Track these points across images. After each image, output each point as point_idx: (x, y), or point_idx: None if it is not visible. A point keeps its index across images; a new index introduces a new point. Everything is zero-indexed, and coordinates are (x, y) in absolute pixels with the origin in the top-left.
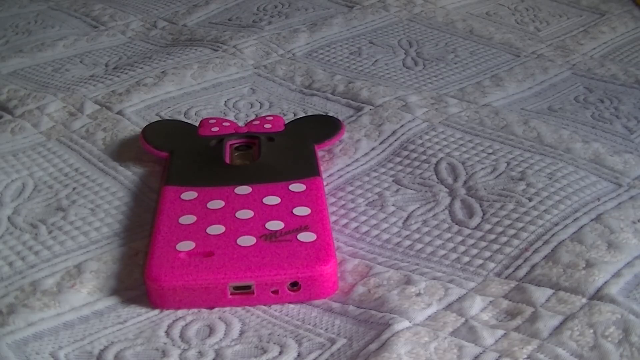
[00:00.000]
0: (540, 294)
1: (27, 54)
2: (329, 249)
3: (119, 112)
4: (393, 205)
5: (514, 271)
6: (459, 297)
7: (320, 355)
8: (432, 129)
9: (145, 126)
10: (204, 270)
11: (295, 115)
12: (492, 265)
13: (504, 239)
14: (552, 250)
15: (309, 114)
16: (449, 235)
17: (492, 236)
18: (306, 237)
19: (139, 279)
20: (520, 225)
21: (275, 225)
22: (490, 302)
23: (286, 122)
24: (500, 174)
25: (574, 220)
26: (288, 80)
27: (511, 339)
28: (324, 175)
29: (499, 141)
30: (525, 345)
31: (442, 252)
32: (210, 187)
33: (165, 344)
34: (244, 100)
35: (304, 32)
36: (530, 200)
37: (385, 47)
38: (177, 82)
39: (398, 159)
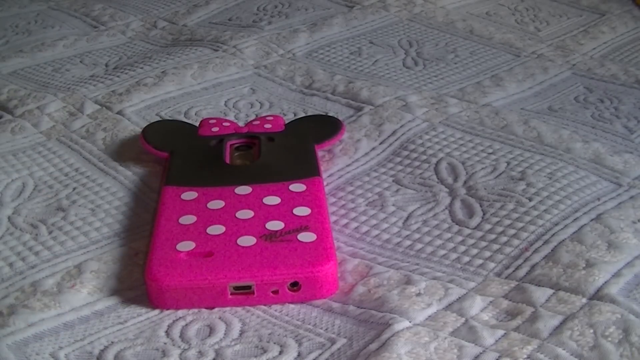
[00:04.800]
0: (541, 294)
1: (27, 54)
2: (329, 249)
3: (119, 112)
4: (393, 205)
5: (514, 271)
6: (459, 297)
7: (320, 355)
8: (432, 128)
9: (146, 126)
10: (204, 270)
11: (295, 115)
12: (492, 265)
13: (504, 238)
14: (552, 250)
15: (309, 114)
16: (449, 235)
17: (492, 236)
18: (306, 237)
19: (139, 279)
20: (520, 225)
21: (275, 225)
22: (491, 302)
23: (286, 122)
24: (500, 174)
25: (574, 220)
26: (288, 80)
27: (511, 339)
28: (324, 175)
29: (499, 141)
30: (526, 345)
31: (442, 252)
32: (210, 187)
33: (165, 344)
34: (244, 100)
35: (304, 32)
36: (530, 200)
37: (385, 47)
38: (177, 82)
39: (398, 159)
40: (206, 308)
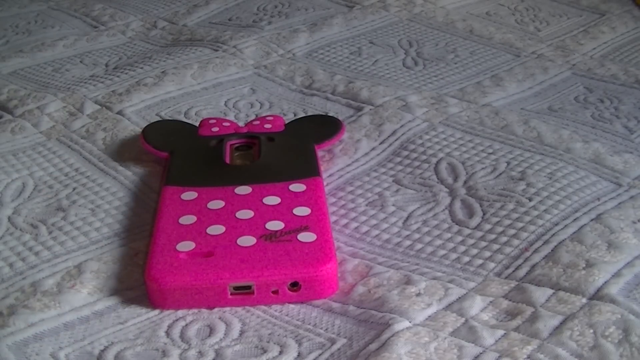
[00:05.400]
0: (540, 294)
1: (27, 54)
2: (329, 249)
3: (119, 112)
4: (393, 205)
5: (514, 271)
6: (459, 297)
7: (320, 355)
8: (432, 128)
9: (145, 126)
10: (204, 271)
11: (295, 115)
12: (492, 265)
13: (504, 239)
14: (552, 250)
15: (309, 114)
16: (449, 235)
17: (492, 236)
18: (306, 237)
19: (139, 279)
20: (520, 225)
21: (275, 225)
22: (490, 302)
23: (286, 122)
24: (500, 174)
25: (574, 220)
26: (288, 80)
27: (511, 339)
28: (324, 175)
29: (499, 141)
30: (525, 345)
31: (442, 252)
32: (210, 187)
33: (165, 344)
34: (244, 100)
35: (304, 32)
36: (530, 200)
37: (385, 47)
38: (177, 82)
39: (398, 159)
40: (206, 308)
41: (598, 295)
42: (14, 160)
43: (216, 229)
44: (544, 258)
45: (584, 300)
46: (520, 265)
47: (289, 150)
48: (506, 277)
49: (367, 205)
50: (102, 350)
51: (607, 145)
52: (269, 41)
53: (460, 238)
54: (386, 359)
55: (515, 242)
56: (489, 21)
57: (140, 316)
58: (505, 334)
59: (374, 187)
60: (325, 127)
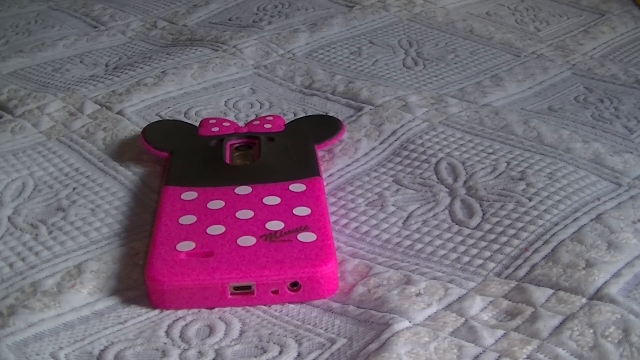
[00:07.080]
0: (540, 294)
1: (27, 54)
2: (329, 249)
3: (119, 112)
4: (393, 205)
5: (514, 271)
6: (459, 297)
7: (320, 355)
8: (432, 128)
9: (145, 126)
10: (204, 271)
11: (295, 115)
12: (492, 265)
13: (504, 238)
14: (552, 250)
15: (309, 114)
16: (449, 235)
17: (492, 236)
18: (306, 237)
19: (139, 279)
20: (520, 225)
21: (275, 225)
22: (490, 302)
23: (286, 122)
24: (500, 174)
25: (574, 220)
26: (288, 80)
27: (511, 339)
28: (324, 175)
29: (499, 141)
30: (525, 345)
31: (442, 252)
32: (210, 187)
33: (165, 344)
34: (244, 100)
35: (304, 32)
36: (530, 200)
37: (385, 47)
38: (177, 82)
39: (398, 159)
40: (206, 308)
41: (598, 295)
42: (14, 160)
43: (216, 229)
44: (544, 258)
45: (584, 300)
46: (520, 265)
47: (289, 150)
48: (506, 277)
49: (367, 205)
50: (102, 350)
51: (607, 145)
52: (269, 41)
53: (460, 238)
54: (386, 359)
55: (515, 242)
56: (489, 21)
57: (140, 316)
58: (505, 334)
59: (374, 187)
60: (325, 127)
